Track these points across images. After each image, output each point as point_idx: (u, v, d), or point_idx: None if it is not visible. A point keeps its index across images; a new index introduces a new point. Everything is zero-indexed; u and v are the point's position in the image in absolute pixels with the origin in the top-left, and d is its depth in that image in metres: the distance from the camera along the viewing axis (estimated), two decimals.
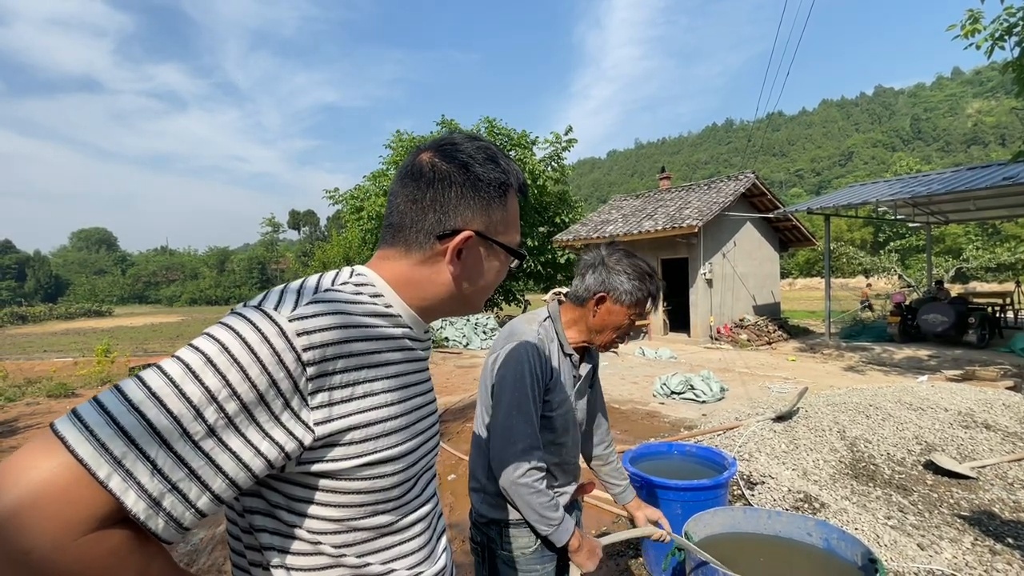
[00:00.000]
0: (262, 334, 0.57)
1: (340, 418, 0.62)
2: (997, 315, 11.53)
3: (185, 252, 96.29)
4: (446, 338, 12.86)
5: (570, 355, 1.48)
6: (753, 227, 14.23)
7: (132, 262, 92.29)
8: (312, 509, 0.64)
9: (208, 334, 0.57)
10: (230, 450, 0.55)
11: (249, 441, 0.56)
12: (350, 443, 0.63)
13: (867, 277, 25.73)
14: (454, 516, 3.58)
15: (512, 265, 0.81)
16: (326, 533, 0.65)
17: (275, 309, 0.60)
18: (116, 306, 62.36)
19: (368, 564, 0.68)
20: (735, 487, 3.35)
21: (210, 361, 0.54)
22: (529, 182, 16.46)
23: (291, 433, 0.59)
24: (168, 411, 0.51)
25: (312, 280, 0.69)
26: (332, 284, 0.68)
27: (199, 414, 0.52)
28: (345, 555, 0.66)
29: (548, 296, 1.60)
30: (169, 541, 0.53)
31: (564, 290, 1.58)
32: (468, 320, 13.66)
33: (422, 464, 0.75)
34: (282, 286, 0.66)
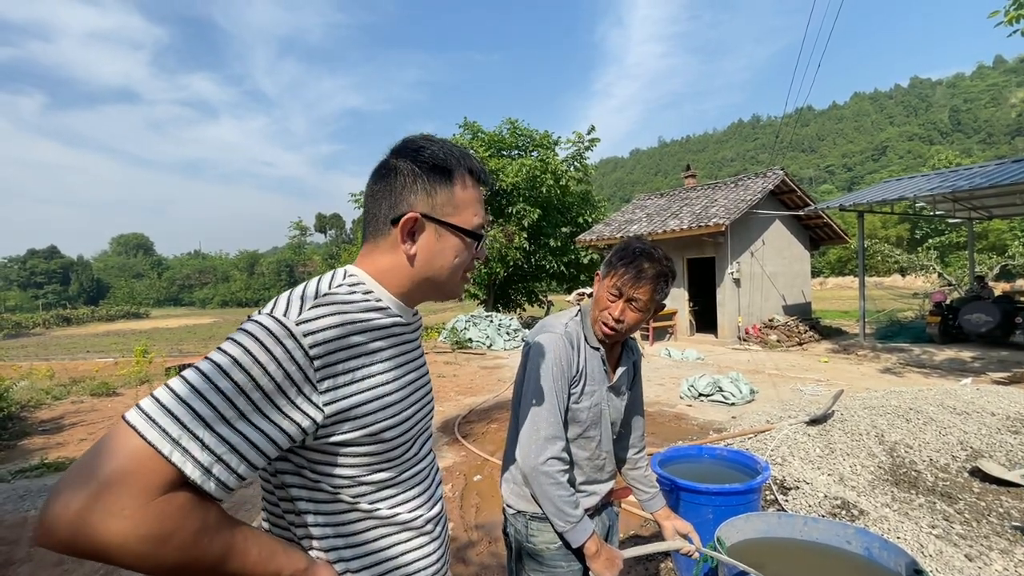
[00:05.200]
0: (275, 337, 0.71)
1: (345, 399, 0.76)
2: None
3: (217, 256, 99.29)
4: (470, 339, 12.90)
5: (596, 348, 1.47)
6: (782, 225, 13.89)
7: (167, 266, 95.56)
8: (329, 469, 0.79)
9: (233, 339, 0.71)
10: (259, 429, 0.69)
11: (272, 421, 0.70)
12: (355, 418, 0.77)
13: (903, 276, 24.75)
14: (480, 517, 3.58)
15: (476, 248, 0.91)
16: (342, 487, 0.80)
17: (284, 315, 0.74)
18: (153, 308, 64.86)
19: (378, 509, 0.83)
20: (768, 492, 3.26)
21: (236, 362, 0.69)
22: (551, 182, 16.40)
23: (305, 413, 0.73)
24: (208, 402, 0.66)
25: (313, 285, 0.81)
26: (330, 287, 0.81)
27: (232, 403, 0.67)
28: (360, 502, 0.82)
29: (572, 297, 1.59)
30: (219, 499, 0.68)
31: (588, 291, 1.56)
32: (491, 321, 13.69)
33: (418, 428, 0.89)
34: (289, 292, 0.80)
